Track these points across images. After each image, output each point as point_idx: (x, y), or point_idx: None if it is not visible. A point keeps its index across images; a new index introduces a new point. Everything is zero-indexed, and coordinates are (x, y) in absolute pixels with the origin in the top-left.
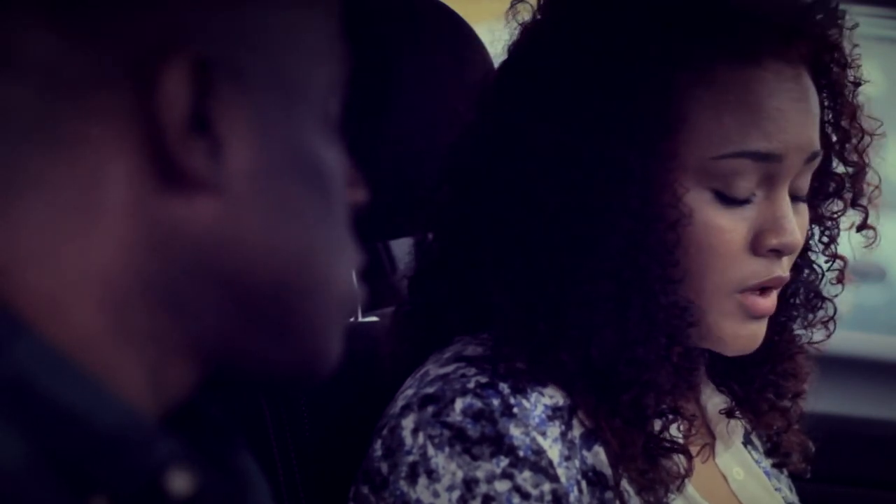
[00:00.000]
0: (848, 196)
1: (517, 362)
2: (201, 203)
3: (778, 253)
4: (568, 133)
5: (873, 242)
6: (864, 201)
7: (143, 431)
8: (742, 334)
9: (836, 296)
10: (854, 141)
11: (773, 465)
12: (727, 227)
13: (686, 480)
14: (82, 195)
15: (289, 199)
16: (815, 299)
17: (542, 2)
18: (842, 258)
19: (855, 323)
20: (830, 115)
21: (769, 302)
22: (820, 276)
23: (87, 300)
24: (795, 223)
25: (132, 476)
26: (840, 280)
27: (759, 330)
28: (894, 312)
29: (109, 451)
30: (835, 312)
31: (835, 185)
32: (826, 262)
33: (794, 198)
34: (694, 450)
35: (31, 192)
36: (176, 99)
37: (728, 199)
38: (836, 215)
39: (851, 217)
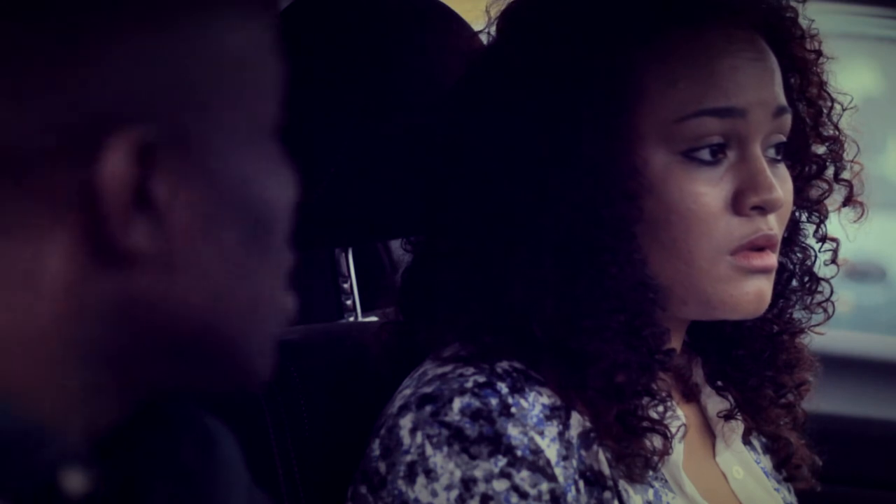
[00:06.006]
0: (830, 175)
1: (511, 360)
2: (140, 273)
3: (762, 210)
4: (523, 126)
5: (862, 217)
6: (847, 175)
7: (31, 434)
8: (748, 291)
9: (832, 277)
10: (825, 112)
11: (784, 480)
12: (703, 188)
13: (665, 458)
14: (19, 272)
15: (227, 249)
16: (811, 282)
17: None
18: (833, 239)
19: (855, 323)
20: (797, 87)
21: (767, 258)
22: (813, 258)
23: (15, 357)
24: (775, 181)
25: (25, 478)
26: (834, 261)
27: (764, 286)
28: (894, 312)
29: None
30: (831, 293)
31: (816, 166)
32: (818, 243)
33: (771, 158)
34: (679, 434)
35: None
36: (119, 179)
37: (699, 161)
38: (822, 196)
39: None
